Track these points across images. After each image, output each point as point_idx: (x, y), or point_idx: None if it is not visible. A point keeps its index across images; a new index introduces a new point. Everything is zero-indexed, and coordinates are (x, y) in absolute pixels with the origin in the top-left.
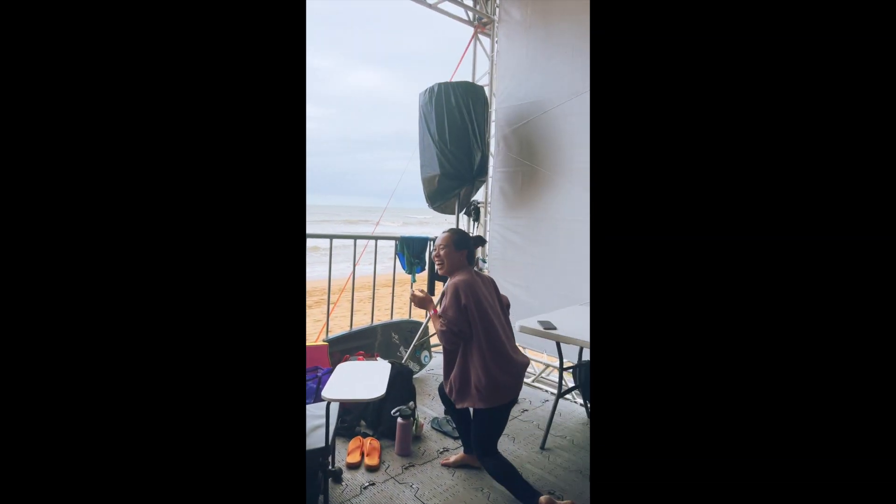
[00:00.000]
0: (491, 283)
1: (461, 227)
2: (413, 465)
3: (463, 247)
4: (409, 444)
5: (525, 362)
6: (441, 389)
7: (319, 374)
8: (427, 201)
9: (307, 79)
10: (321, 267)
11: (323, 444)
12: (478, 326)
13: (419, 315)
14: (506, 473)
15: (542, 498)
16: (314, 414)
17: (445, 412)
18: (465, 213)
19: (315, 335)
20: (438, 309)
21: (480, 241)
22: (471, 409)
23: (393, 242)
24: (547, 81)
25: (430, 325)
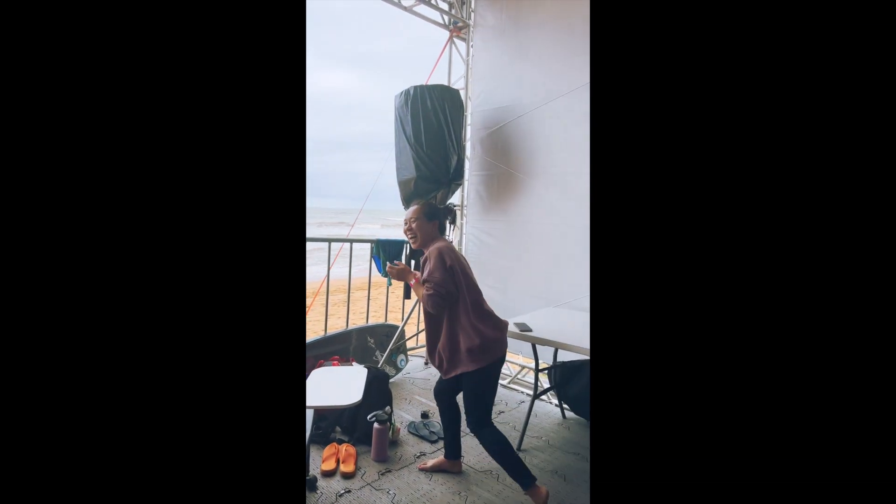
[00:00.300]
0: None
1: None
2: (390, 471)
3: (434, 217)
4: (385, 450)
5: (505, 321)
6: (436, 387)
7: None
8: (403, 204)
9: None
10: (320, 267)
11: None
12: (463, 287)
13: (396, 318)
14: (502, 447)
15: (543, 489)
16: None
17: (423, 415)
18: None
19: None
20: (420, 276)
21: (451, 212)
22: (460, 386)
23: (368, 245)
24: (521, 86)
25: (414, 293)
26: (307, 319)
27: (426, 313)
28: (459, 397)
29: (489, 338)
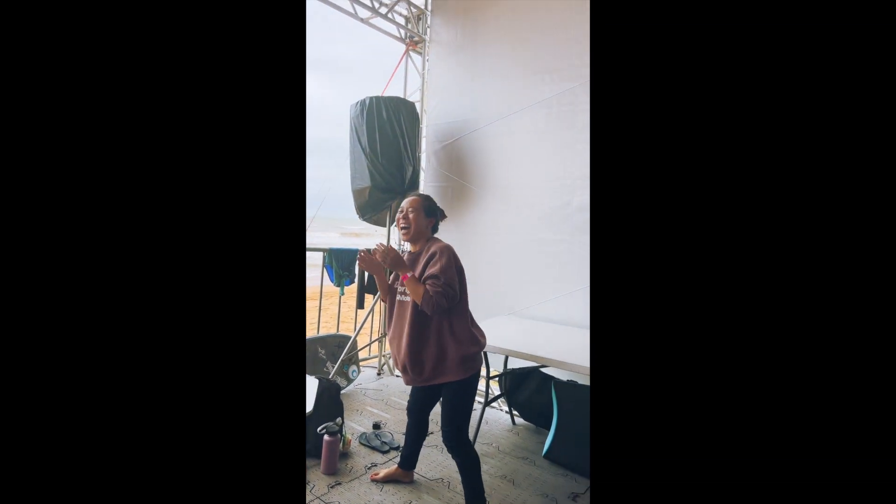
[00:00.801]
0: None
1: (392, 240)
2: (340, 483)
3: (431, 215)
4: (335, 462)
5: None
6: (411, 402)
7: None
8: (357, 213)
9: None
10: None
11: None
12: (464, 292)
13: (348, 329)
14: (474, 465)
15: None
16: None
17: (375, 426)
18: (395, 226)
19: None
20: (410, 273)
21: (444, 215)
22: (439, 398)
23: (321, 254)
24: (476, 102)
25: (409, 290)
26: None
27: (411, 317)
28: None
29: (481, 346)
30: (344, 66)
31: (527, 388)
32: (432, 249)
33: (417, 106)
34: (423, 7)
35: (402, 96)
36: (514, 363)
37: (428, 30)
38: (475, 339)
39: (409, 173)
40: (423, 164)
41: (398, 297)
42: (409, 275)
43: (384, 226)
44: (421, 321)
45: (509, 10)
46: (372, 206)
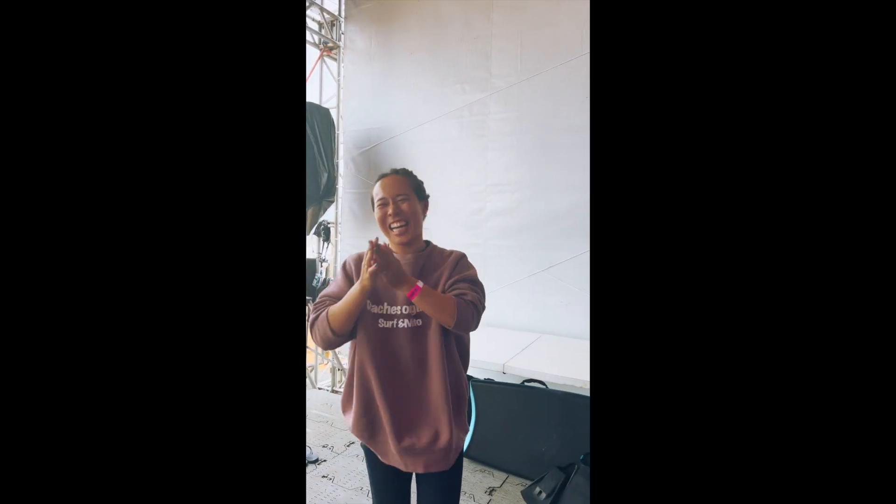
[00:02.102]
0: None
1: (310, 248)
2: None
3: (424, 197)
4: None
5: None
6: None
7: None
8: None
9: None
10: None
11: None
12: None
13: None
14: None
15: None
16: None
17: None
18: (314, 234)
19: None
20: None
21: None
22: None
23: None
24: (392, 110)
25: (425, 304)
26: None
27: (416, 352)
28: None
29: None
30: None
31: None
32: (455, 254)
33: (333, 112)
34: (335, 14)
35: (317, 102)
36: None
37: (342, 36)
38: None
39: (324, 179)
40: (340, 170)
41: (380, 325)
42: (419, 285)
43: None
44: (433, 357)
45: (421, 21)
46: None
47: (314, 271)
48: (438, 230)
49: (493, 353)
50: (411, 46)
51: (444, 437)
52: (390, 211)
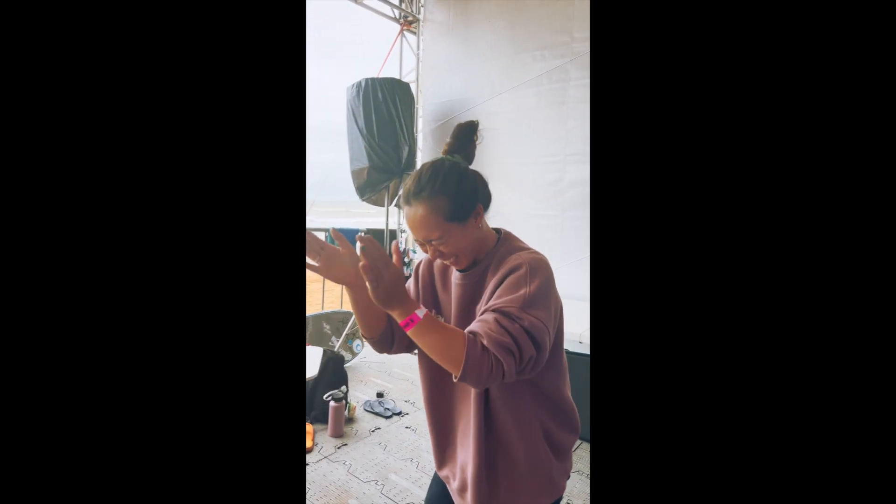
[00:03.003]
0: None
1: (391, 220)
2: (346, 445)
3: (467, 213)
4: (341, 426)
5: None
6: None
7: None
8: (357, 193)
9: None
10: None
11: None
12: (555, 341)
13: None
14: None
15: None
16: None
17: (378, 395)
18: (395, 206)
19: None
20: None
21: (483, 185)
22: None
23: (324, 234)
24: (469, 81)
25: (427, 345)
26: None
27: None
28: None
29: (576, 433)
30: (339, 48)
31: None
32: (511, 262)
33: (413, 86)
34: None
35: (397, 77)
36: None
37: (422, 9)
38: (571, 420)
39: (405, 153)
40: (419, 143)
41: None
42: (418, 315)
43: (382, 205)
44: (474, 405)
45: None
46: (370, 187)
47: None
48: (517, 202)
49: (570, 323)
50: (490, 14)
51: (469, 495)
52: (431, 254)
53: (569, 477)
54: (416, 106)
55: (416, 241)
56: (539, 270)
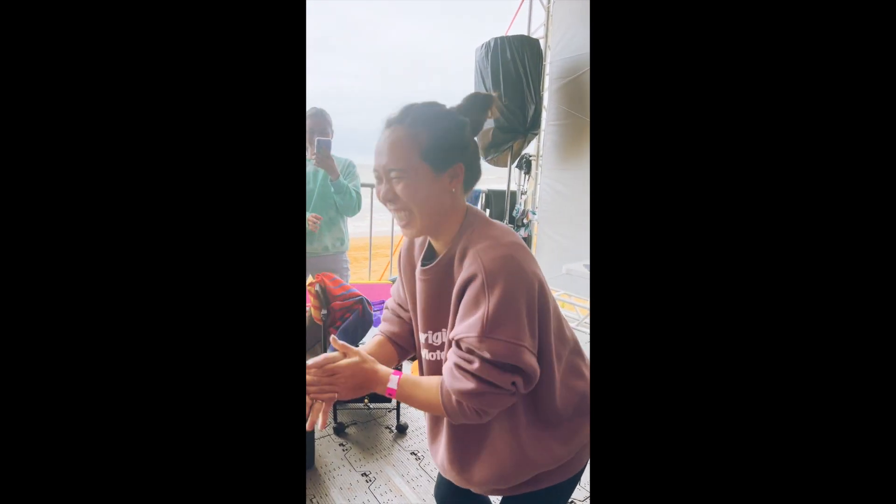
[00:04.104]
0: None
1: (512, 181)
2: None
3: (451, 161)
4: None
5: None
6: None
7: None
8: (482, 153)
9: (344, 30)
10: (362, 223)
11: None
12: (550, 343)
13: None
14: None
15: None
16: None
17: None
18: (516, 167)
19: (379, 274)
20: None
21: (475, 154)
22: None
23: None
24: None
25: (408, 400)
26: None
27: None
28: None
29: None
30: (462, 8)
31: None
32: (468, 268)
33: (541, 42)
34: None
35: (525, 34)
36: None
37: None
38: (579, 405)
39: (531, 112)
40: (545, 102)
41: (426, 357)
42: (391, 387)
43: (505, 166)
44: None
45: None
46: (495, 147)
47: (514, 203)
48: None
49: None
50: None
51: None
52: (381, 193)
53: (576, 461)
54: (543, 62)
55: (374, 170)
56: (499, 274)
